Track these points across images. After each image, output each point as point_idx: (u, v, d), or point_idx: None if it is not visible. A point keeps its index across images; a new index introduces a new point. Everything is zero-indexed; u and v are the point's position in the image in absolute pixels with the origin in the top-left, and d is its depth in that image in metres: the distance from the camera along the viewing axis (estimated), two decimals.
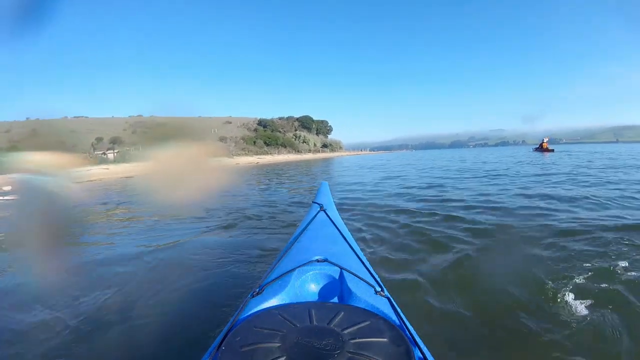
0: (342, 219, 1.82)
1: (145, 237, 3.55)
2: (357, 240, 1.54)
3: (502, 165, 11.79)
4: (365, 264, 1.10)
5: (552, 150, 24.18)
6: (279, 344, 0.63)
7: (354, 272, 0.96)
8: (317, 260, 1.04)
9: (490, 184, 6.20)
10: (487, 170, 9.25)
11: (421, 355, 0.67)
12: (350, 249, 1.23)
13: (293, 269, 0.98)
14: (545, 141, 26.16)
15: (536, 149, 26.09)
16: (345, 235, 1.35)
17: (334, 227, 1.45)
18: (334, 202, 2.05)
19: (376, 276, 1.04)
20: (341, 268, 0.98)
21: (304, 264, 1.01)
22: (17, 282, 2.37)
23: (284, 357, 0.59)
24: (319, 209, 1.67)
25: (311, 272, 1.00)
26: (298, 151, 53.98)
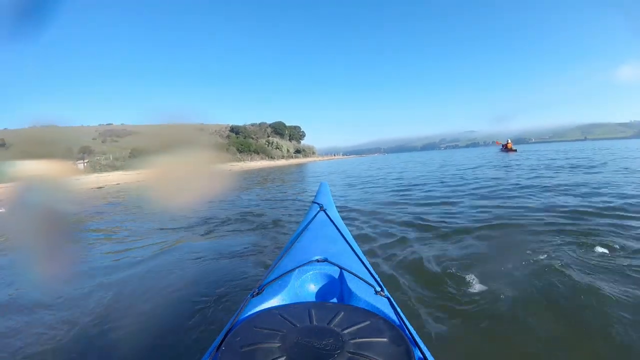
0: (342, 219, 1.81)
1: (134, 244, 3.56)
2: (357, 240, 1.54)
3: (462, 169, 11.08)
4: (365, 263, 1.10)
5: (515, 150, 25.74)
6: (279, 344, 0.62)
7: (354, 272, 0.96)
8: (317, 260, 1.03)
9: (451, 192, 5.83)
10: (451, 176, 8.55)
11: (421, 355, 0.67)
12: (350, 248, 1.23)
13: (293, 269, 0.98)
14: (509, 142, 27.87)
15: (502, 150, 27.84)
16: (345, 235, 1.35)
17: (334, 227, 1.44)
18: (334, 202, 2.04)
19: (376, 276, 1.04)
20: (341, 268, 0.98)
21: (304, 264, 1.00)
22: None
23: (284, 357, 0.59)
24: (318, 208, 1.66)
25: (311, 272, 0.99)
26: (271, 157, 53.35)
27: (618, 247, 2.25)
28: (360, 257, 1.16)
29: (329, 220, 1.53)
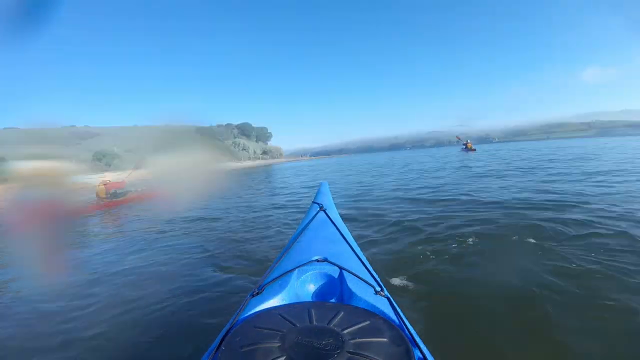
0: (342, 218, 1.80)
1: (124, 245, 3.58)
2: (356, 240, 1.54)
3: (417, 172, 10.84)
4: (365, 263, 1.10)
5: (475, 150, 28.73)
6: (279, 344, 0.62)
7: (353, 272, 0.95)
8: (317, 260, 1.03)
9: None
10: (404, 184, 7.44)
11: (421, 355, 0.67)
12: (350, 248, 1.23)
13: (293, 269, 0.97)
14: (468, 142, 31.27)
15: (463, 149, 30.60)
16: (345, 235, 1.34)
17: (334, 227, 1.44)
18: (334, 202, 2.03)
19: (376, 276, 1.03)
20: (341, 268, 0.97)
21: (304, 264, 1.00)
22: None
23: (284, 357, 0.59)
24: (318, 208, 1.65)
25: (311, 272, 0.99)
26: (237, 159, 52.95)
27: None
28: (360, 257, 1.16)
29: (328, 220, 1.52)
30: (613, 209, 3.24)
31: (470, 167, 10.53)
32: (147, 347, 1.53)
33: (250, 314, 0.78)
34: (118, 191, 9.48)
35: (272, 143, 73.78)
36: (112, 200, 9.19)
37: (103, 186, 9.14)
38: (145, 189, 10.09)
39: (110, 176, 9.58)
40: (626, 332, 1.41)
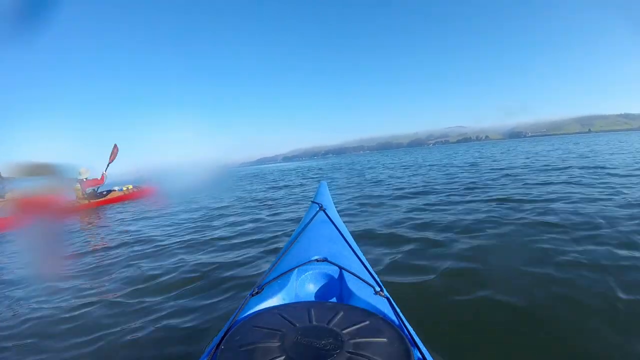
0: (342, 218, 1.80)
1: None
2: (356, 240, 1.53)
3: None
4: (365, 263, 1.10)
5: None
6: (278, 344, 0.62)
7: (353, 271, 0.96)
8: (317, 260, 1.04)
9: None
10: None
11: (420, 356, 0.67)
12: (349, 248, 1.23)
13: (292, 269, 0.97)
14: None
15: None
16: (344, 235, 1.34)
17: (334, 226, 1.44)
18: (333, 202, 2.03)
19: (376, 276, 1.04)
20: (340, 268, 0.98)
21: (304, 264, 1.00)
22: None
23: (283, 357, 0.59)
24: (318, 208, 1.66)
25: (310, 272, 0.99)
26: None
27: None
28: (360, 257, 1.17)
29: (328, 220, 1.52)
30: None
31: None
32: (142, 347, 1.50)
33: (250, 313, 0.79)
34: (98, 190, 8.37)
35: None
36: (91, 202, 8.04)
37: (79, 185, 8.06)
38: (134, 187, 9.03)
39: (87, 173, 8.24)
40: None
